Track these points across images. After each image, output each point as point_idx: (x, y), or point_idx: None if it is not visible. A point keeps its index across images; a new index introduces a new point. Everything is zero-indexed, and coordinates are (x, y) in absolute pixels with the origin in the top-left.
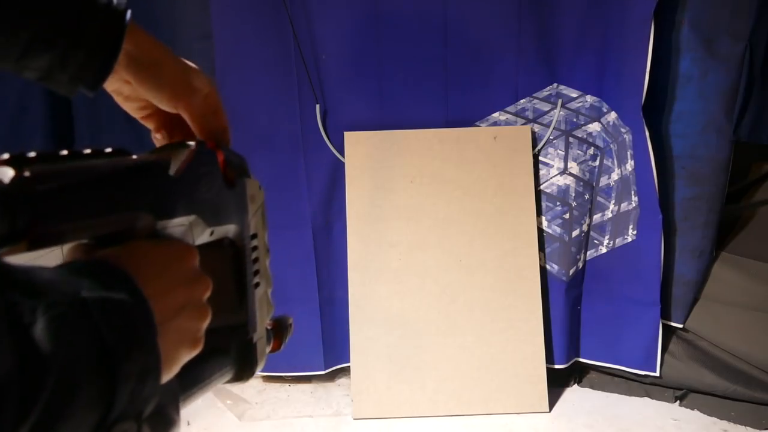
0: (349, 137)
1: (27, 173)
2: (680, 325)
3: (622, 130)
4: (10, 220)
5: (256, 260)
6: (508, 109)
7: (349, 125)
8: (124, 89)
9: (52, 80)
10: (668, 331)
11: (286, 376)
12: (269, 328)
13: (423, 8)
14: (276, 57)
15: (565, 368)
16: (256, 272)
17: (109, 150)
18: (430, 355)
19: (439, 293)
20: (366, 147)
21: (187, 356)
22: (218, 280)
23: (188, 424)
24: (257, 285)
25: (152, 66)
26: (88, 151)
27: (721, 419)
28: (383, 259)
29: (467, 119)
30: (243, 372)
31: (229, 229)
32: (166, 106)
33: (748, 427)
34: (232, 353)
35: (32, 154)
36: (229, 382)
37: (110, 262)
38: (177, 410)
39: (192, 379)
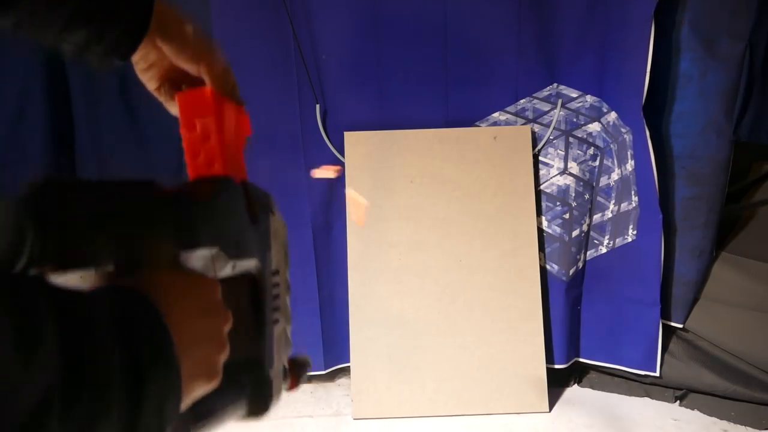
0: (349, 137)
1: (61, 199)
2: (680, 325)
3: (622, 130)
4: (42, 242)
5: (276, 297)
6: (508, 109)
7: (349, 125)
8: (150, 55)
9: (88, 52)
10: (668, 331)
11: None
12: (286, 366)
13: (423, 8)
14: (276, 57)
15: (565, 368)
16: (276, 308)
17: (141, 180)
18: (430, 355)
19: (439, 293)
20: (366, 147)
21: (202, 388)
22: (238, 314)
23: None
24: (276, 321)
25: (178, 29)
26: (120, 180)
27: (721, 419)
28: (383, 259)
29: (467, 119)
30: (257, 408)
31: (251, 264)
32: (189, 65)
33: (748, 427)
34: (247, 389)
35: (68, 180)
36: (242, 418)
37: (136, 288)
38: None
39: (205, 412)
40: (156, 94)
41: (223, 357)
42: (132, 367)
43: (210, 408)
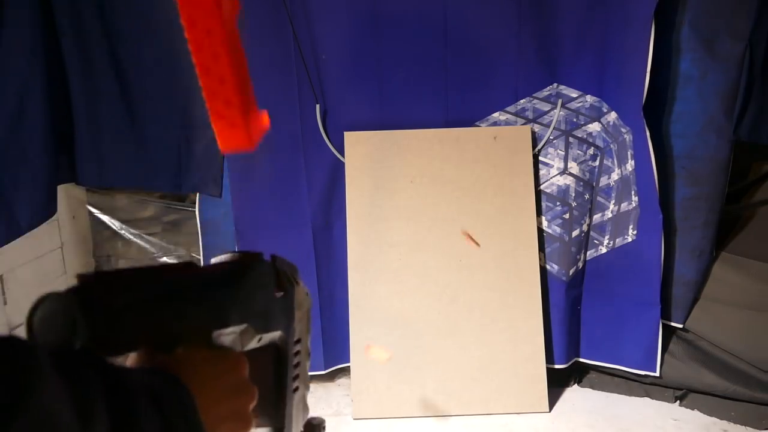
0: (349, 137)
1: (105, 288)
2: (680, 325)
3: (623, 130)
4: (91, 330)
5: (297, 365)
6: (508, 109)
7: (349, 125)
8: None
9: None
10: (668, 331)
11: None
12: (302, 430)
13: (423, 9)
14: (276, 57)
15: (565, 368)
16: (297, 377)
17: (177, 264)
18: (430, 355)
19: (439, 293)
20: (366, 147)
21: None
22: (261, 384)
23: None
24: (296, 389)
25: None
26: (160, 265)
27: (721, 419)
28: (383, 259)
29: (467, 119)
30: None
31: (276, 336)
32: None
33: (747, 427)
34: None
35: (112, 270)
36: None
37: (170, 369)
38: None
39: None
40: None
41: None
42: None
43: None
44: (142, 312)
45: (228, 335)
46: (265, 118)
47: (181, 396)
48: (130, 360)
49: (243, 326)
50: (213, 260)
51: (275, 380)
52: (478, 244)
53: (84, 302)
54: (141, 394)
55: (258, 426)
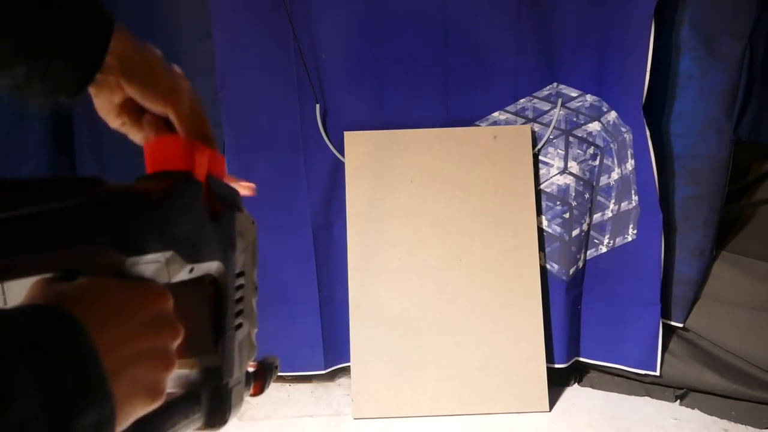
0: (349, 137)
1: None
2: (680, 325)
3: (623, 129)
4: None
5: (240, 300)
6: (508, 108)
7: (349, 125)
8: (114, 97)
9: (28, 89)
10: (668, 331)
11: (286, 375)
12: (251, 370)
13: (423, 8)
14: (276, 57)
15: (565, 368)
16: (240, 312)
17: (81, 178)
18: (430, 355)
19: (439, 293)
20: (366, 147)
21: (144, 408)
22: (194, 320)
23: None
24: (240, 326)
25: (144, 68)
26: (54, 177)
27: (722, 418)
28: (383, 259)
29: (467, 119)
30: (214, 420)
31: (212, 266)
32: (155, 107)
33: (748, 427)
34: (203, 399)
35: None
36: (199, 429)
37: (60, 305)
38: None
39: (153, 428)
40: (120, 130)
41: (168, 374)
42: (54, 400)
43: (158, 423)
44: (28, 230)
45: (148, 264)
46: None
47: (72, 337)
48: (17, 293)
49: (168, 253)
50: (130, 182)
51: (213, 316)
52: None
53: None
54: (12, 345)
55: (191, 365)
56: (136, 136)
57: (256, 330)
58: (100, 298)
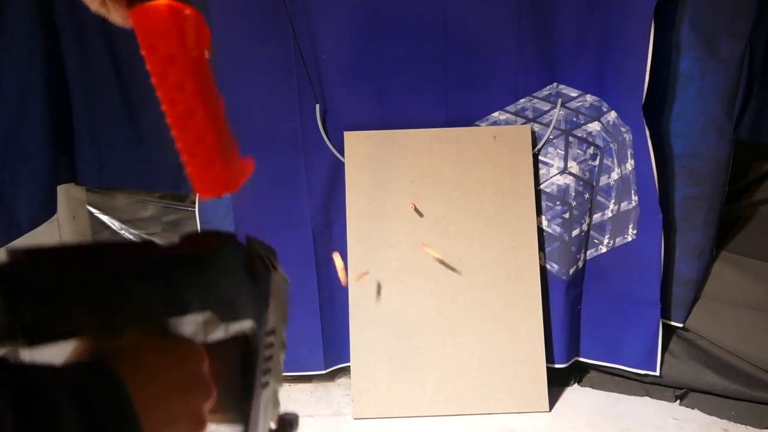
0: (349, 137)
1: (35, 267)
2: (680, 325)
3: (622, 129)
4: (13, 317)
5: (269, 358)
6: (508, 108)
7: (349, 125)
8: None
9: None
10: (668, 331)
11: (286, 375)
12: (273, 427)
13: (423, 8)
14: (276, 57)
15: (565, 368)
16: (268, 371)
17: (134, 240)
18: (430, 355)
19: (439, 293)
20: (366, 147)
21: None
22: (224, 378)
23: None
24: (266, 384)
25: None
26: (108, 242)
27: (722, 418)
28: (383, 259)
29: (467, 119)
30: None
31: (246, 325)
32: None
33: (748, 426)
34: None
35: (45, 247)
36: None
37: (107, 363)
38: None
39: None
40: (101, 12)
41: None
42: None
43: None
44: (83, 294)
45: (188, 324)
46: (249, 164)
47: (114, 393)
48: (68, 350)
49: (206, 314)
50: (177, 239)
51: (242, 374)
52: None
53: (10, 284)
54: (62, 397)
55: (217, 425)
56: (117, 14)
57: (280, 386)
58: (142, 358)
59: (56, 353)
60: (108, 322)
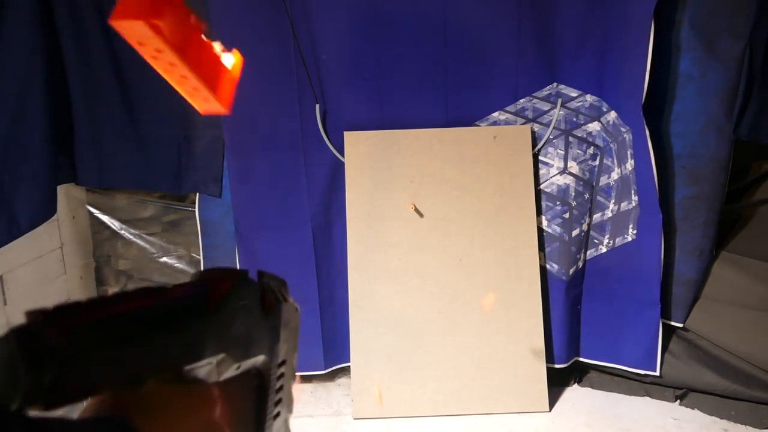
0: (349, 137)
1: (50, 326)
2: (680, 325)
3: (622, 129)
4: (37, 379)
5: (280, 389)
6: (508, 108)
7: (349, 125)
8: None
9: None
10: (668, 331)
11: None
12: None
13: (423, 8)
14: (276, 57)
15: (565, 368)
16: (279, 401)
17: (145, 287)
18: (430, 355)
19: (439, 293)
20: (366, 147)
21: None
22: (237, 414)
23: None
24: (278, 415)
25: None
26: (125, 293)
27: (721, 418)
28: (383, 259)
29: (467, 119)
30: None
31: (258, 360)
32: None
33: (748, 426)
34: None
35: (64, 305)
36: None
37: (126, 415)
38: None
39: None
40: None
41: None
42: None
43: None
44: (101, 352)
45: (202, 367)
46: (235, 68)
47: None
48: (88, 406)
49: (220, 356)
50: (190, 278)
51: (255, 408)
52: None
53: (30, 347)
54: None
55: None
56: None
57: (291, 414)
58: (159, 407)
59: (71, 408)
60: (127, 378)
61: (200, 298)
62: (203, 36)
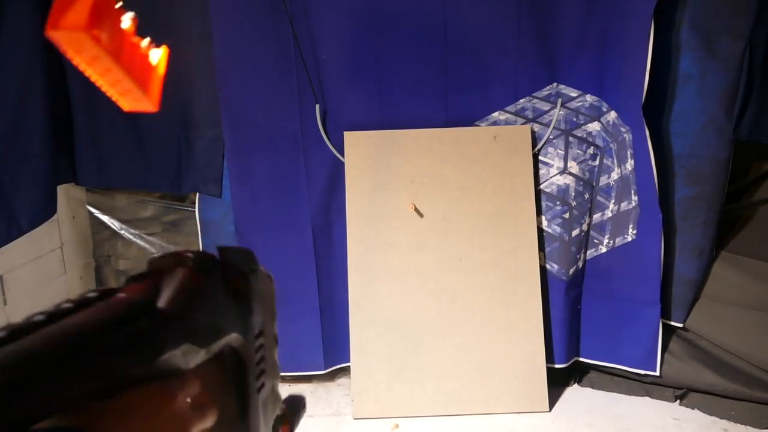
0: (349, 137)
1: None
2: (680, 325)
3: (622, 129)
4: None
5: (261, 360)
6: (508, 108)
7: (349, 125)
8: None
9: None
10: (668, 331)
11: (286, 375)
12: (279, 414)
13: (423, 8)
14: (276, 57)
15: (565, 368)
16: (261, 373)
17: (93, 295)
18: (430, 355)
19: (439, 293)
20: (366, 147)
21: None
22: (217, 395)
23: None
24: (262, 386)
25: None
26: (68, 305)
27: (721, 418)
28: (383, 259)
29: (467, 119)
30: None
31: (230, 339)
32: None
33: (748, 426)
34: None
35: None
36: None
37: (89, 428)
38: None
39: None
40: None
41: None
42: None
43: None
44: (40, 383)
45: (165, 362)
46: (161, 64)
47: None
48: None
49: (184, 347)
50: (140, 270)
51: (235, 386)
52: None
53: None
54: None
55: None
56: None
57: (278, 380)
58: (126, 412)
59: None
60: (78, 398)
61: (150, 301)
62: (134, 35)
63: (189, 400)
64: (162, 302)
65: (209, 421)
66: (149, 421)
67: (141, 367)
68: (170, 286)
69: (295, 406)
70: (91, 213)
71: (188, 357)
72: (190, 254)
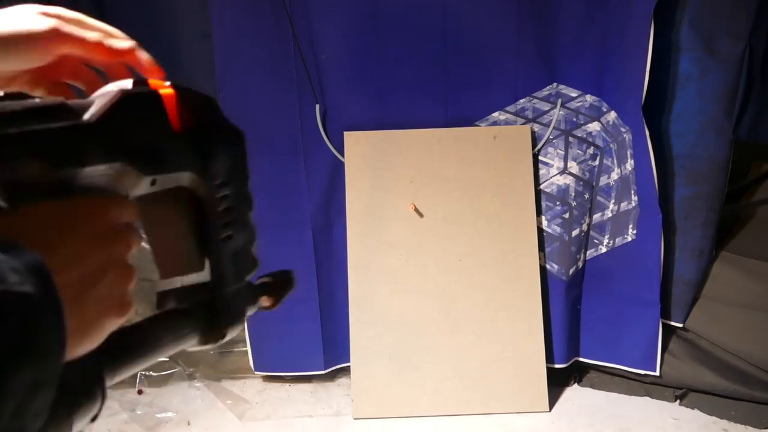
0: (349, 137)
1: None
2: (680, 325)
3: (622, 129)
4: None
5: (227, 210)
6: (508, 108)
7: (349, 125)
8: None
9: None
10: (668, 331)
11: (286, 375)
12: (265, 281)
13: (422, 8)
14: (276, 57)
15: (565, 368)
16: (228, 223)
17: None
18: (430, 355)
19: (439, 293)
20: (366, 147)
21: (113, 324)
22: (171, 235)
23: (188, 424)
24: (229, 237)
25: None
26: None
27: (721, 418)
28: (383, 259)
29: (467, 119)
30: (208, 334)
31: (182, 178)
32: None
33: (748, 427)
34: (193, 315)
35: None
36: (197, 345)
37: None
38: (99, 384)
39: (133, 346)
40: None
41: (132, 284)
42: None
43: (140, 341)
44: None
45: (92, 177)
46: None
47: (24, 262)
48: None
49: (116, 165)
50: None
51: (194, 226)
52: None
53: None
54: None
55: (177, 283)
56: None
57: (255, 243)
58: (40, 221)
59: None
60: None
61: (76, 107)
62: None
63: (115, 221)
64: (87, 115)
65: (130, 246)
66: (70, 233)
67: (58, 171)
68: (101, 102)
69: (284, 283)
70: None
71: (126, 180)
72: (133, 79)
